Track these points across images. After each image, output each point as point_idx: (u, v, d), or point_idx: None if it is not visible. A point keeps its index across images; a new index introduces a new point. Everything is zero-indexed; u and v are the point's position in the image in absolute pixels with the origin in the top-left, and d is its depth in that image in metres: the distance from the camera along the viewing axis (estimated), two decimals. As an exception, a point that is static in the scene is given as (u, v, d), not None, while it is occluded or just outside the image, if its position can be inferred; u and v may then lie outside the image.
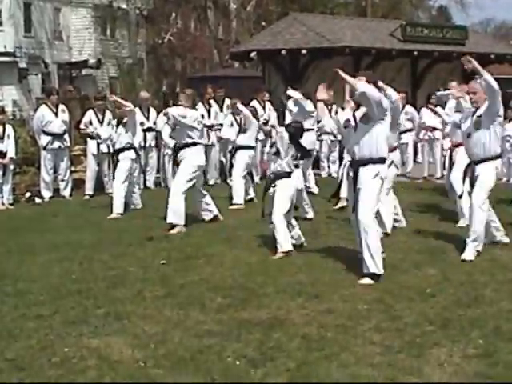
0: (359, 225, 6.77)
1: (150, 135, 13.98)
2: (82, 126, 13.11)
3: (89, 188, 13.02)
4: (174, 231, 8.99)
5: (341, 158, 12.36)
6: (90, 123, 12.94)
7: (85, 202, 12.37)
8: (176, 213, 9.06)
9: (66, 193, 12.86)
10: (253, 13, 37.57)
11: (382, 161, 6.85)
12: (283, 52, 17.66)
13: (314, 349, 5.01)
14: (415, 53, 18.60)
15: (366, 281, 6.65)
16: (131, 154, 10.92)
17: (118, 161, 10.82)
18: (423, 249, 7.95)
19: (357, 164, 6.86)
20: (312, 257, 7.52)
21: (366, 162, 6.81)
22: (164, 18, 37.67)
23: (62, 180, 12.88)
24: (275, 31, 19.09)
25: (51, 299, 6.24)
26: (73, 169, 13.69)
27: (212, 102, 14.40)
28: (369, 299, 6.15)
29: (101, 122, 12.85)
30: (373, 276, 6.67)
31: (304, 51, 17.44)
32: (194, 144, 9.38)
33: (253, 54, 18.26)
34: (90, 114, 13.14)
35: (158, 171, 14.41)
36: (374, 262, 6.69)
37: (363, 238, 6.73)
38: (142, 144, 13.63)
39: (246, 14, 37.47)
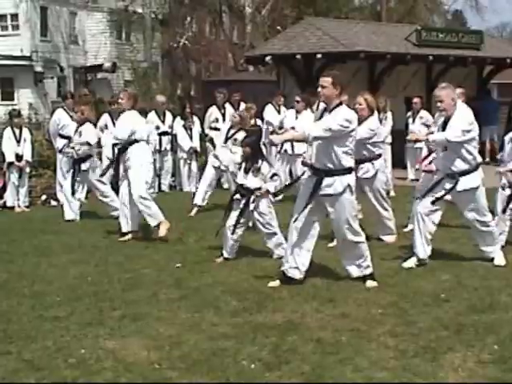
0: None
1: (165, 139, 14.04)
2: (97, 129, 13.17)
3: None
4: (161, 231, 8.93)
5: None
6: (106, 127, 13.01)
7: (100, 204, 12.42)
8: (153, 215, 9.05)
9: (82, 196, 12.91)
10: (268, 17, 37.62)
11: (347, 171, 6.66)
12: (298, 56, 17.67)
13: (329, 352, 5.03)
14: (430, 57, 18.55)
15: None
16: None
17: None
18: (437, 253, 7.93)
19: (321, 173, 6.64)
20: (326, 261, 7.53)
21: (329, 172, 6.60)
22: (179, 22, 37.80)
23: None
24: (290, 35, 19.11)
25: (67, 301, 6.29)
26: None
27: (227, 105, 14.43)
28: (383, 304, 6.16)
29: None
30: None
31: (319, 55, 17.44)
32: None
33: (268, 58, 18.27)
34: (105, 118, 13.21)
35: (173, 175, 14.45)
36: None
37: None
38: (158, 147, 13.70)
39: (261, 18, 37.53)
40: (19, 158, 12.07)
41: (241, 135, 9.44)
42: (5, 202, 12.30)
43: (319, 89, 6.57)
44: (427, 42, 18.98)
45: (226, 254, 7.79)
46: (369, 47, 17.86)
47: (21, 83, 31.85)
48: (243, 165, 7.84)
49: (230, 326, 5.58)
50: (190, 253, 8.17)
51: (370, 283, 6.77)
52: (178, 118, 14.23)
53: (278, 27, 33.57)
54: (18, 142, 12.10)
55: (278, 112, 14.03)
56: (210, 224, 9.39)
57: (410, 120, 14.38)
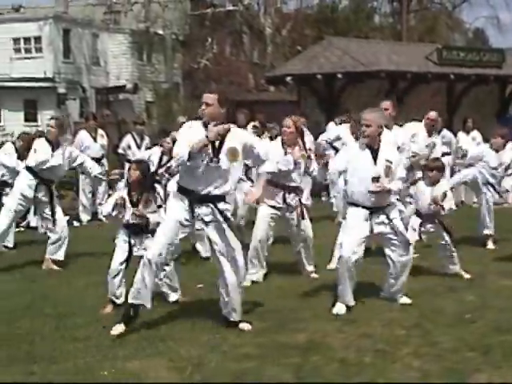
0: None
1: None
2: (120, 150, 13.26)
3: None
4: None
5: None
6: (129, 147, 13.08)
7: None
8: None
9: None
10: (288, 37, 37.73)
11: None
12: (318, 76, 17.72)
13: (352, 373, 4.99)
14: (451, 76, 18.53)
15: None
16: None
17: None
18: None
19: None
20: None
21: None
22: (200, 43, 37.99)
23: (100, 204, 12.99)
24: (310, 55, 19.18)
25: (88, 322, 6.29)
26: (110, 193, 13.81)
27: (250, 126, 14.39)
28: (407, 324, 6.12)
29: (139, 147, 12.98)
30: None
31: (339, 75, 17.49)
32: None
33: (288, 79, 18.34)
34: (128, 139, 13.28)
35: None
36: None
37: None
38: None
39: (281, 39, 37.64)
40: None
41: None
42: (28, 223, 12.37)
43: (203, 106, 6.02)
44: (448, 61, 18.96)
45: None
46: (389, 66, 17.89)
47: (44, 105, 32.11)
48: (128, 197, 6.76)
49: (252, 347, 5.55)
50: (208, 273, 8.15)
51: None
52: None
53: (298, 47, 33.65)
54: (42, 163, 12.17)
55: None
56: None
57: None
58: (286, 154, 7.76)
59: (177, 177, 6.55)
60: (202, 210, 5.96)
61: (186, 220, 5.98)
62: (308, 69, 18.22)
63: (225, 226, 6.00)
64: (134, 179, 6.72)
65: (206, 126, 5.96)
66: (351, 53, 18.32)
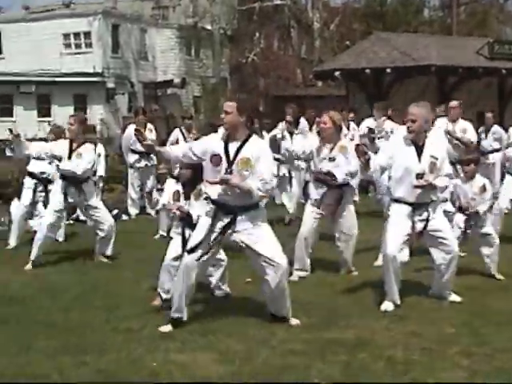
0: None
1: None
2: (168, 144, 13.35)
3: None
4: None
5: None
6: (177, 142, 13.16)
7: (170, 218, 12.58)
8: None
9: (152, 211, 13.10)
10: (336, 32, 37.57)
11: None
12: (367, 71, 17.64)
13: (400, 371, 4.97)
14: (503, 71, 18.26)
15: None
16: None
17: None
18: (510, 271, 7.78)
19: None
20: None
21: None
22: (248, 38, 38.03)
23: (149, 198, 13.11)
24: (359, 50, 19.10)
25: (139, 314, 6.38)
26: (159, 187, 13.93)
27: (302, 120, 14.34)
28: (455, 322, 6.07)
29: (187, 141, 13.06)
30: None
31: (388, 70, 17.37)
32: None
33: (337, 73, 18.28)
34: (176, 133, 13.37)
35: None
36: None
37: None
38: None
39: (329, 33, 37.50)
40: (93, 172, 12.30)
41: None
42: (78, 216, 12.56)
43: (222, 115, 5.98)
44: (500, 55, 18.68)
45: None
46: (439, 61, 17.70)
47: (93, 99, 32.51)
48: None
49: (300, 343, 5.57)
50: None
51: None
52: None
53: (347, 42, 33.48)
54: (92, 157, 12.34)
55: (347, 127, 13.92)
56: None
57: (483, 135, 14.14)
58: (319, 150, 7.80)
59: None
60: (228, 219, 5.95)
61: (214, 226, 5.95)
62: (357, 63, 18.15)
63: (255, 230, 5.95)
64: (187, 176, 6.76)
65: (227, 137, 5.96)
66: (400, 47, 18.18)
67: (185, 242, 6.55)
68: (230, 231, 5.95)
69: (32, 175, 10.28)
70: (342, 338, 5.68)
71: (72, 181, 8.72)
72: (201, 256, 5.89)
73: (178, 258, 6.52)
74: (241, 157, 5.89)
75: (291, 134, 11.83)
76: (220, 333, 5.79)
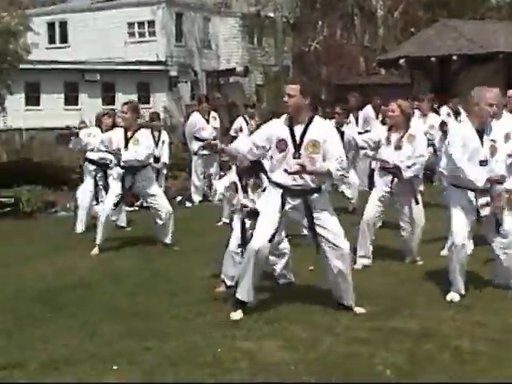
0: None
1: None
2: (231, 132, 13.41)
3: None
4: None
5: None
6: (241, 130, 13.20)
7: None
8: None
9: (215, 198, 13.14)
10: (400, 19, 37.10)
11: None
12: (432, 59, 17.38)
13: (467, 362, 4.90)
14: None
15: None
16: None
17: None
18: None
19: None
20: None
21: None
22: (310, 26, 37.85)
23: (209, 186, 13.19)
24: (424, 38, 18.84)
25: (203, 300, 6.42)
26: (222, 173, 14.00)
27: (369, 108, 14.22)
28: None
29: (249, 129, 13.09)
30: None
31: (454, 57, 17.08)
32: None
33: (401, 62, 18.07)
34: (239, 121, 13.40)
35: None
36: None
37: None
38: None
39: (393, 21, 37.06)
40: (157, 159, 12.45)
41: None
42: (142, 203, 12.72)
43: (285, 98, 5.93)
44: None
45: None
46: (508, 48, 17.31)
47: (156, 87, 32.86)
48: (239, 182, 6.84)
49: (365, 331, 5.55)
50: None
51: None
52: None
53: (412, 29, 33.03)
54: (157, 144, 12.49)
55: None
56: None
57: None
58: (387, 138, 7.71)
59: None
60: (295, 203, 5.94)
61: (282, 211, 5.95)
62: (422, 51, 17.90)
63: (322, 215, 5.95)
64: (244, 166, 6.76)
65: (290, 121, 5.93)
66: (467, 34, 17.87)
67: (244, 232, 6.62)
68: (297, 214, 5.97)
69: (91, 161, 10.46)
70: (407, 328, 5.63)
71: (130, 169, 8.80)
72: (271, 239, 5.90)
73: (242, 245, 6.55)
74: (308, 140, 5.86)
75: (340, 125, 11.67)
76: (285, 320, 5.79)
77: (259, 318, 5.85)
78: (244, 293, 5.95)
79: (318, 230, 5.94)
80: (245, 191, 6.77)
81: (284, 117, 6.04)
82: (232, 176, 6.93)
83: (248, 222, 6.69)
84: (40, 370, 4.81)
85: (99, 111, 11.76)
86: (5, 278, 7.45)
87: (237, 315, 5.88)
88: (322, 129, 5.94)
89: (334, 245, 5.91)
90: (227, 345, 5.25)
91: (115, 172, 9.03)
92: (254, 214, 6.48)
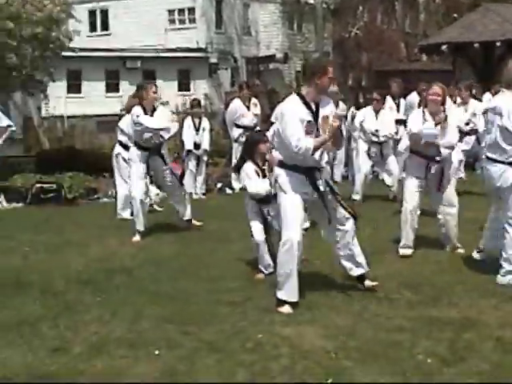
0: None
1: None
2: (272, 119, 13.35)
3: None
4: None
5: None
6: (280, 116, 13.16)
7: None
8: None
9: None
10: (441, 5, 36.65)
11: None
12: (476, 45, 17.11)
13: (509, 352, 4.84)
14: None
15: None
16: None
17: None
18: None
19: None
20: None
21: None
22: (351, 12, 37.60)
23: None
24: (466, 23, 18.55)
25: (243, 287, 6.45)
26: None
27: (414, 95, 14.08)
28: None
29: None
30: None
31: (498, 43, 16.80)
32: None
33: (444, 47, 17.83)
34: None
35: (345, 165, 14.37)
36: None
37: None
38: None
39: (435, 6, 36.65)
40: (197, 146, 12.51)
41: None
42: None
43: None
44: None
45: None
46: (555, 33, 16.99)
47: (196, 74, 32.96)
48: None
49: (405, 319, 5.51)
50: (364, 244, 8.12)
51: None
52: (353, 108, 14.15)
53: (454, 15, 32.59)
54: (197, 130, 12.54)
55: (455, 103, 13.55)
56: (383, 215, 9.32)
57: None
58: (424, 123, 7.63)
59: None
60: (313, 184, 5.95)
61: (305, 193, 5.94)
62: (464, 37, 17.63)
63: (330, 189, 6.05)
64: (265, 150, 6.85)
65: (304, 100, 5.85)
66: (511, 19, 17.53)
67: (264, 217, 6.80)
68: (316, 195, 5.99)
69: (120, 144, 10.65)
70: (448, 317, 5.58)
71: (145, 148, 8.98)
72: (301, 228, 5.95)
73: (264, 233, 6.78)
74: (321, 116, 5.87)
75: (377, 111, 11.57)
76: (325, 307, 5.79)
77: (299, 305, 5.85)
78: (290, 293, 5.81)
79: (330, 203, 6.03)
80: (264, 176, 6.88)
81: (295, 97, 5.93)
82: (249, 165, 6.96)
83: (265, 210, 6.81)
84: (86, 355, 4.87)
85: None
86: (53, 263, 7.57)
87: (285, 309, 5.77)
88: (329, 104, 6.00)
89: (347, 214, 6.07)
90: (267, 330, 5.26)
91: (134, 154, 9.09)
92: (267, 199, 6.71)
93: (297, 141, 5.71)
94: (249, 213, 7.00)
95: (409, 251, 7.68)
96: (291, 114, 5.81)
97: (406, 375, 4.47)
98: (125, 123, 10.30)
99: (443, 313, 5.69)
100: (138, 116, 8.82)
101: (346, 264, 6.24)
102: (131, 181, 9.17)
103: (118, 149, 10.71)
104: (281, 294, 5.83)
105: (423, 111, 7.71)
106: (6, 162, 12.88)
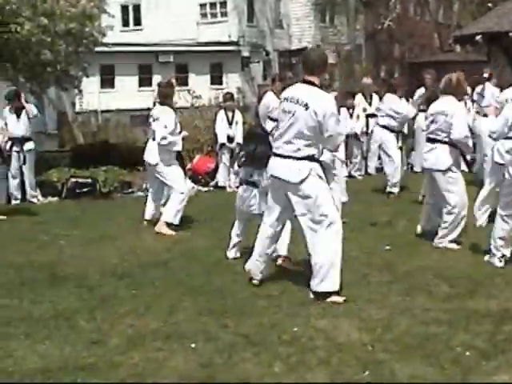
0: None
1: (372, 121, 13.96)
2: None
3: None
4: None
5: None
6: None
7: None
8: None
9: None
10: (476, -6, 36.22)
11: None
12: (511, 34, 16.84)
13: (550, 345, 4.78)
14: None
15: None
16: None
17: None
18: None
19: None
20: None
21: None
22: (383, 4, 37.34)
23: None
24: (502, 12, 18.26)
25: (278, 280, 6.42)
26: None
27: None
28: None
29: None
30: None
31: (534, 33, 16.53)
32: None
33: (478, 38, 17.58)
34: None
35: (378, 157, 14.27)
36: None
37: None
38: (365, 130, 13.72)
39: (469, -4, 36.21)
40: (231, 139, 12.51)
41: None
42: (217, 182, 12.83)
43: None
44: None
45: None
46: None
47: (229, 68, 33.00)
48: None
49: (442, 312, 5.46)
50: (399, 236, 8.08)
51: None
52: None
53: (489, 4, 32.16)
54: (230, 124, 12.55)
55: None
56: (419, 208, 9.21)
57: None
58: None
59: None
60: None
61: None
62: (500, 26, 17.35)
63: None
64: None
65: None
66: (547, 8, 17.25)
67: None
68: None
69: None
70: (487, 309, 5.51)
71: None
72: None
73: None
74: None
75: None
76: (360, 300, 5.76)
77: (335, 298, 5.82)
78: (337, 282, 5.79)
79: None
80: None
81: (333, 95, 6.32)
82: None
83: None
84: (123, 347, 4.89)
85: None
86: (88, 257, 7.62)
87: (337, 299, 5.75)
88: None
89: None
90: (303, 323, 5.24)
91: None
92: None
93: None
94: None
95: (457, 247, 7.59)
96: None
97: (444, 368, 4.42)
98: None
99: (481, 305, 5.62)
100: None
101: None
102: (178, 177, 9.12)
103: None
104: (325, 286, 5.77)
105: None
106: (41, 157, 13.00)
